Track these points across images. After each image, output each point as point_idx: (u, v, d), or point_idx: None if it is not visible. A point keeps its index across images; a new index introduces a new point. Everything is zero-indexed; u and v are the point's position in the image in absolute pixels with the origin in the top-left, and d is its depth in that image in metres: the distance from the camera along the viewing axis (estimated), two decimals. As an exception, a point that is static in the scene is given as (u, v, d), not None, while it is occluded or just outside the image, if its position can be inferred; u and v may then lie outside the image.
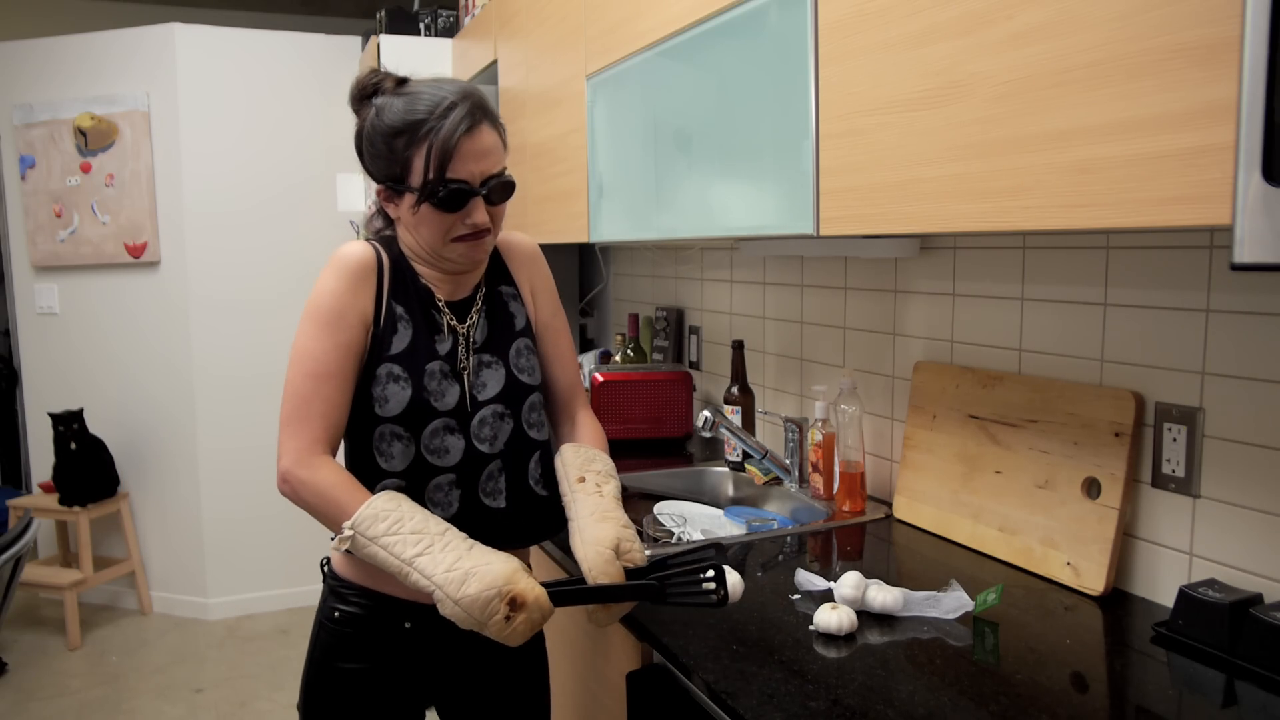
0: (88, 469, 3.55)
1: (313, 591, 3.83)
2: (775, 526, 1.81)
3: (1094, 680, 1.09)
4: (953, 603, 1.26)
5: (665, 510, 1.94)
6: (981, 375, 1.56)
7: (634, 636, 1.35)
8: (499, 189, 1.23)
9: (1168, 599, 1.24)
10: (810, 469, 1.86)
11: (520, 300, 1.37)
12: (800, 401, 2.12)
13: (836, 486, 1.78)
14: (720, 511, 1.95)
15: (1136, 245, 1.31)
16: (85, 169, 3.67)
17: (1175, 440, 1.26)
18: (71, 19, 4.58)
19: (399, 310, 1.25)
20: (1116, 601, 1.31)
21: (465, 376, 1.27)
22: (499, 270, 1.37)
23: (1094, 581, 1.31)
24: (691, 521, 1.86)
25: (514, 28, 2.64)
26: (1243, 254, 0.69)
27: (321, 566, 1.33)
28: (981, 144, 1.04)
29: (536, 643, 1.42)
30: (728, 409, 2.09)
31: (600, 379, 2.32)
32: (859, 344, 1.90)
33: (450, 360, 1.26)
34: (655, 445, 2.35)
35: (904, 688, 1.06)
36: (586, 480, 1.27)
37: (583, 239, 2.24)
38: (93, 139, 3.63)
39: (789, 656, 1.14)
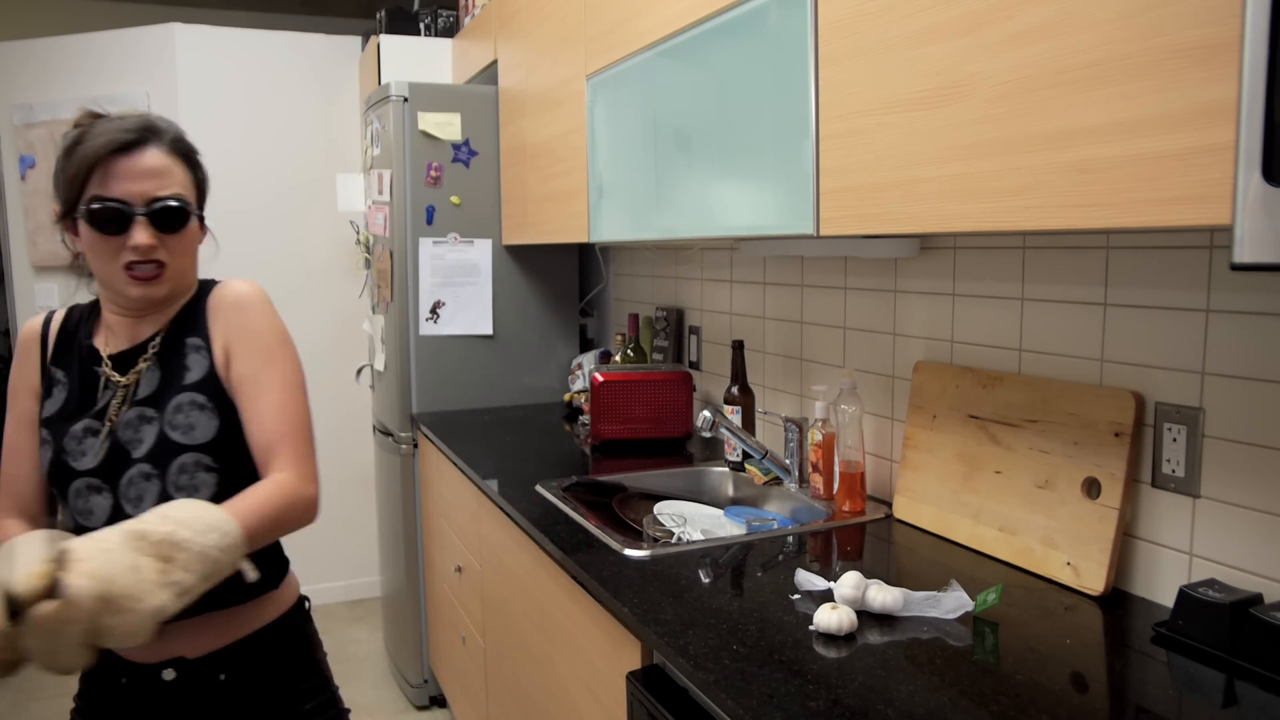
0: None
1: (313, 591, 3.83)
2: (775, 526, 1.81)
3: (1094, 680, 1.09)
4: (953, 603, 1.26)
5: (665, 510, 1.94)
6: (981, 375, 1.56)
7: (634, 636, 1.35)
8: (162, 213, 1.17)
9: (1168, 599, 1.24)
10: (810, 469, 1.86)
11: (206, 352, 1.25)
12: (800, 401, 2.12)
13: (836, 486, 1.78)
14: (720, 511, 1.95)
15: (1136, 245, 1.31)
16: (85, 169, 3.67)
17: (1175, 440, 1.26)
18: (71, 19, 4.58)
19: (57, 374, 1.27)
20: (1116, 601, 1.31)
21: (111, 433, 1.21)
22: (193, 319, 1.27)
23: (1094, 581, 1.31)
24: (691, 521, 1.86)
25: (514, 28, 2.64)
26: (1243, 254, 0.69)
27: None
28: (981, 144, 1.04)
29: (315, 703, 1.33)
30: (728, 409, 2.09)
31: (600, 379, 2.32)
32: (859, 344, 1.91)
33: (101, 417, 1.23)
34: (655, 445, 2.35)
35: (904, 688, 1.06)
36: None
37: (583, 239, 2.24)
38: (93, 139, 3.63)
39: (789, 656, 1.14)
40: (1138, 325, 1.32)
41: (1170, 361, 1.27)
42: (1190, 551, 1.26)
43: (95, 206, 1.16)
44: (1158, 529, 1.30)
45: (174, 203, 1.19)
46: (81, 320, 1.31)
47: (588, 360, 2.93)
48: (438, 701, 3.03)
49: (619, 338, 2.74)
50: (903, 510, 1.69)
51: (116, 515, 1.19)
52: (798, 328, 2.11)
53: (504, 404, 3.02)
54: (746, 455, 2.05)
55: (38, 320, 1.31)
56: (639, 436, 2.33)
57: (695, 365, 2.61)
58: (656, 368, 2.42)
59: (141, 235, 1.17)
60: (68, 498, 1.22)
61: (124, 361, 1.26)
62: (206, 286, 1.32)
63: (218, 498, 1.15)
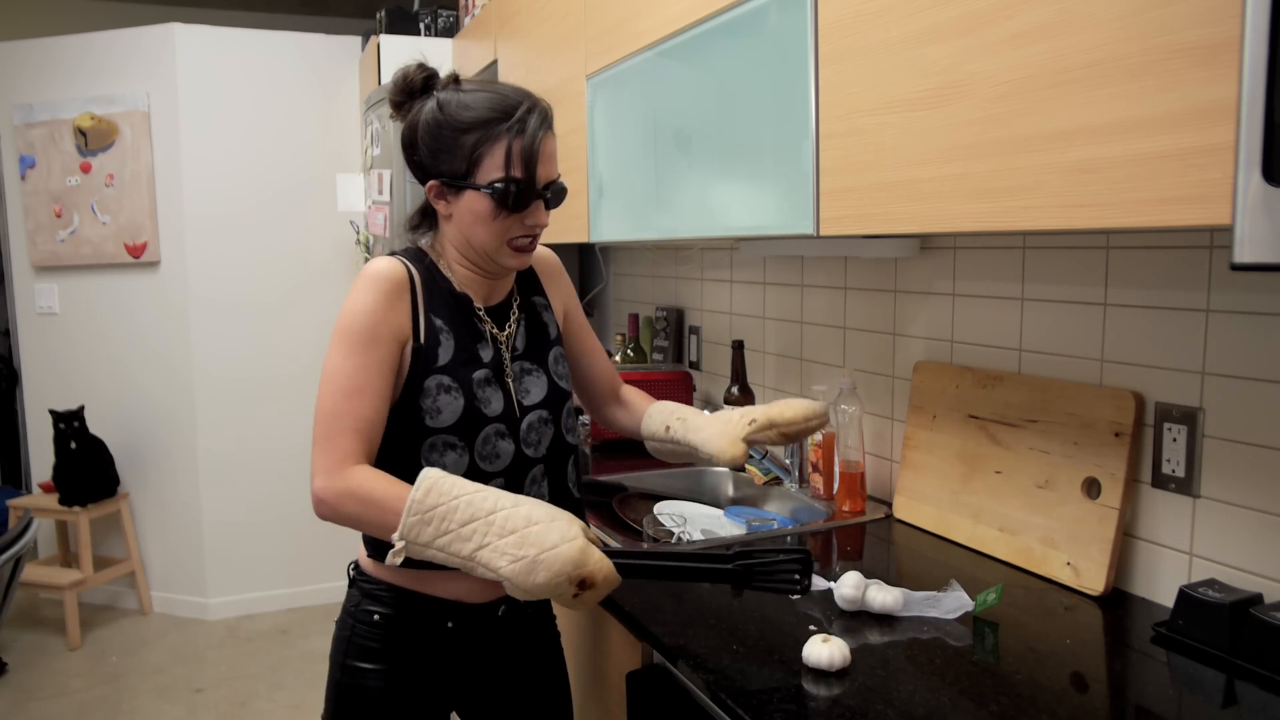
0: (88, 469, 3.55)
1: (313, 591, 3.84)
2: (775, 526, 1.81)
3: (1094, 680, 1.09)
4: (953, 603, 1.26)
5: (665, 510, 1.94)
6: (981, 375, 1.56)
7: (634, 636, 1.35)
8: (558, 193, 1.26)
9: (1168, 599, 1.24)
10: (810, 469, 1.86)
11: (551, 311, 1.40)
12: (800, 401, 2.11)
13: (836, 486, 1.78)
14: (720, 511, 1.95)
15: (1136, 245, 1.31)
16: (85, 169, 3.67)
17: (1175, 440, 1.26)
18: (71, 19, 4.58)
19: (438, 323, 1.24)
20: (1116, 601, 1.31)
21: (509, 382, 1.29)
22: (531, 281, 1.40)
23: (1094, 581, 1.31)
24: (691, 521, 1.86)
25: (514, 28, 2.64)
26: (1243, 254, 0.69)
27: (349, 570, 1.33)
28: (982, 144, 1.04)
29: (555, 643, 1.44)
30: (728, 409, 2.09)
31: (600, 379, 2.32)
32: (859, 344, 1.90)
33: (494, 367, 1.28)
34: (655, 445, 2.34)
35: (904, 688, 1.06)
36: (671, 427, 1.40)
37: (583, 239, 2.24)
38: (93, 139, 3.63)
39: (789, 656, 1.14)
40: (1138, 325, 1.32)
41: (1170, 361, 1.27)
42: (1190, 551, 1.26)
43: (515, 191, 1.19)
44: (1158, 529, 1.30)
45: (563, 185, 1.27)
46: (432, 269, 1.28)
47: (588, 360, 2.93)
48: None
49: (619, 338, 2.74)
50: (903, 510, 1.69)
51: (518, 459, 1.28)
52: (798, 328, 2.11)
53: (504, 404, 3.02)
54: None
55: (398, 264, 1.23)
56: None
57: (695, 365, 2.61)
58: (656, 368, 2.42)
59: (542, 216, 1.25)
60: (473, 443, 1.23)
61: (495, 316, 1.32)
62: None
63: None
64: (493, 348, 1.29)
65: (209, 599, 3.75)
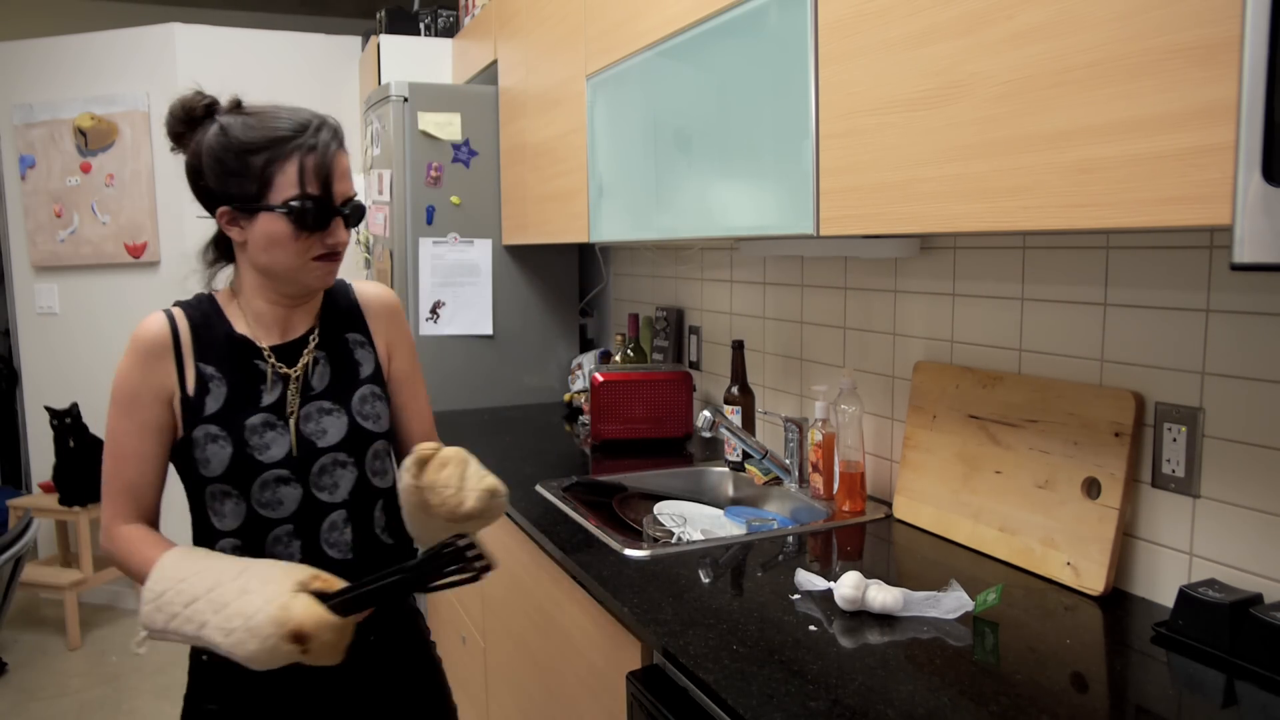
0: (88, 469, 3.55)
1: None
2: (775, 526, 1.81)
3: (1094, 680, 1.09)
4: (953, 603, 1.26)
5: (665, 510, 1.94)
6: (981, 375, 1.56)
7: (634, 636, 1.35)
8: (356, 211, 1.23)
9: (1168, 599, 1.24)
10: (810, 469, 1.86)
11: (370, 349, 1.34)
12: (800, 401, 2.12)
13: (836, 486, 1.78)
14: (720, 511, 1.95)
15: (1136, 245, 1.31)
16: (85, 169, 3.67)
17: (1175, 440, 1.26)
18: (71, 19, 4.58)
19: (208, 371, 1.22)
20: (1116, 601, 1.31)
21: (294, 424, 1.24)
22: (351, 318, 1.34)
23: (1094, 581, 1.31)
24: (691, 521, 1.86)
25: (514, 28, 2.64)
26: (1243, 254, 0.69)
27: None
28: (981, 144, 1.04)
29: (422, 653, 1.40)
30: (728, 409, 2.09)
31: (600, 379, 2.32)
32: (859, 344, 1.90)
33: (278, 410, 1.23)
34: (655, 445, 2.35)
35: (904, 688, 1.06)
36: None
37: (583, 239, 2.24)
38: (93, 139, 3.63)
39: (789, 656, 1.14)
40: (1138, 325, 1.32)
41: (1170, 361, 1.27)
42: (1190, 551, 1.26)
43: (305, 205, 1.16)
44: (1158, 529, 1.30)
45: (360, 202, 1.25)
46: (211, 314, 1.25)
47: (588, 360, 2.93)
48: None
49: (619, 338, 2.74)
50: (903, 510, 1.69)
51: (307, 504, 1.23)
52: (798, 328, 2.11)
53: (504, 404, 3.02)
54: (746, 455, 2.05)
55: (159, 321, 1.22)
56: (639, 436, 2.33)
57: (695, 365, 2.61)
58: (656, 368, 2.42)
59: (343, 233, 1.22)
60: (248, 492, 1.20)
61: (285, 354, 1.26)
62: (340, 285, 1.37)
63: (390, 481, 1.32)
64: (280, 388, 1.24)
65: (209, 599, 3.75)
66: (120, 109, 3.61)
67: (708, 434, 1.90)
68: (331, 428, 1.25)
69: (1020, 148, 0.99)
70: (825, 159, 1.31)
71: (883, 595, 1.26)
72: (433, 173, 2.86)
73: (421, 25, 3.39)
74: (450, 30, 3.40)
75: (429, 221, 2.88)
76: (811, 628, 1.22)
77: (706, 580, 1.42)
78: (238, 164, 1.17)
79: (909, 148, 1.14)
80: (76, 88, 3.66)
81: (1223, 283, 1.20)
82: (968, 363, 1.62)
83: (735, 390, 2.10)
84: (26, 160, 3.71)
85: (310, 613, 1.05)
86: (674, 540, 1.73)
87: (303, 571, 1.10)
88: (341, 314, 1.34)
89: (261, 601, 1.05)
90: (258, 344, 1.25)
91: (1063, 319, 1.43)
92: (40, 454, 3.87)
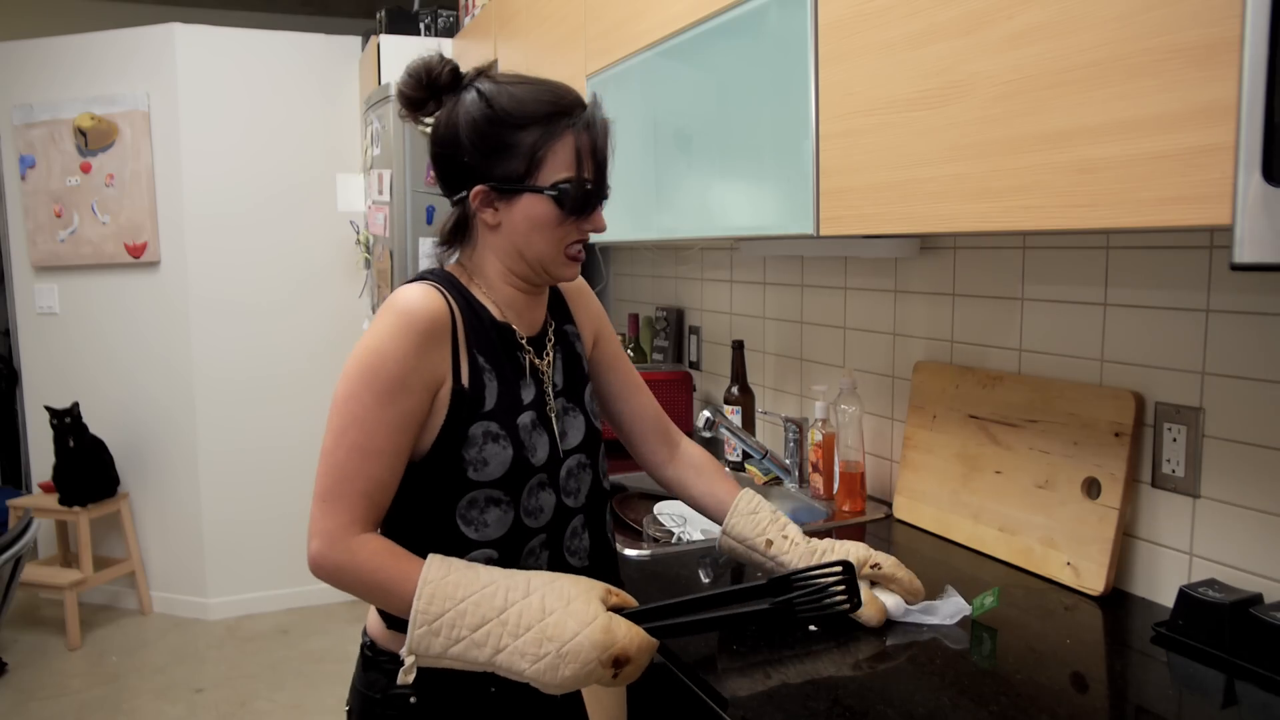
0: (88, 469, 3.55)
1: (313, 591, 3.83)
2: (775, 526, 1.80)
3: (1094, 680, 1.09)
4: (951, 609, 1.25)
5: (665, 510, 1.94)
6: (981, 375, 1.56)
7: (634, 636, 1.35)
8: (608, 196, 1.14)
9: (1168, 599, 1.24)
10: (810, 469, 1.86)
11: (581, 340, 1.24)
12: (800, 401, 2.12)
13: (836, 486, 1.78)
14: (720, 511, 1.94)
15: (1136, 245, 1.31)
16: (85, 169, 3.67)
17: (1175, 440, 1.26)
18: (71, 19, 4.57)
19: (481, 361, 1.07)
20: (1116, 601, 1.31)
21: (551, 424, 1.13)
22: (559, 306, 1.23)
23: (1094, 581, 1.31)
24: (691, 521, 1.86)
25: (514, 28, 2.64)
26: (1243, 254, 0.69)
27: (364, 646, 1.13)
28: (981, 144, 1.04)
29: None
30: (728, 409, 2.09)
31: (600, 379, 2.32)
32: (859, 344, 1.90)
33: (538, 407, 1.12)
34: (655, 445, 2.34)
35: (904, 688, 1.06)
36: (774, 542, 1.23)
37: (583, 239, 2.24)
38: (93, 139, 3.63)
39: (789, 656, 1.14)
40: (1138, 325, 1.32)
41: (1170, 361, 1.27)
42: (1190, 551, 1.26)
43: (582, 188, 1.07)
44: (1158, 529, 1.30)
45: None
46: (467, 296, 1.10)
47: (588, 360, 2.93)
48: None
49: (619, 338, 2.74)
50: (903, 510, 1.69)
51: (559, 511, 1.12)
52: (798, 328, 2.11)
53: (504, 404, 3.02)
54: (746, 455, 2.05)
55: (437, 300, 1.04)
56: (639, 436, 2.33)
57: (695, 365, 2.61)
58: (656, 368, 2.42)
59: (602, 219, 1.13)
60: (519, 498, 1.07)
61: (533, 346, 1.15)
62: None
63: None
64: (534, 385, 1.12)
65: (209, 599, 3.75)
66: (120, 109, 3.61)
67: (708, 434, 1.90)
68: (572, 428, 1.16)
69: (1020, 148, 0.99)
70: (825, 159, 1.31)
71: (883, 597, 1.25)
72: (433, 173, 2.86)
73: (421, 25, 3.39)
74: (450, 30, 3.40)
75: (429, 221, 2.88)
76: (812, 628, 1.22)
77: (706, 580, 1.42)
78: (505, 139, 1.05)
79: (909, 148, 1.14)
80: (76, 88, 3.66)
81: (1223, 283, 1.20)
82: (968, 363, 1.62)
83: (735, 390, 2.10)
84: (26, 160, 3.71)
85: (634, 636, 0.99)
86: (674, 540, 1.73)
87: (599, 586, 1.02)
88: (553, 302, 1.22)
89: (576, 624, 0.96)
90: (519, 334, 1.13)
91: (1063, 319, 1.43)
92: (40, 454, 3.87)
